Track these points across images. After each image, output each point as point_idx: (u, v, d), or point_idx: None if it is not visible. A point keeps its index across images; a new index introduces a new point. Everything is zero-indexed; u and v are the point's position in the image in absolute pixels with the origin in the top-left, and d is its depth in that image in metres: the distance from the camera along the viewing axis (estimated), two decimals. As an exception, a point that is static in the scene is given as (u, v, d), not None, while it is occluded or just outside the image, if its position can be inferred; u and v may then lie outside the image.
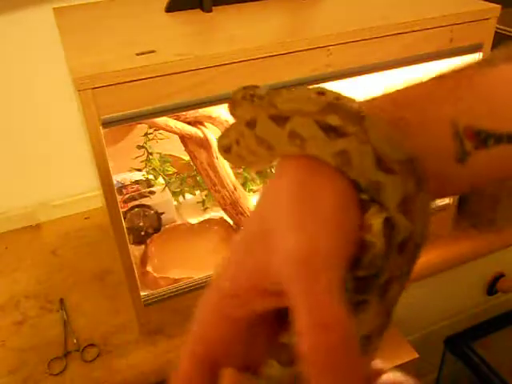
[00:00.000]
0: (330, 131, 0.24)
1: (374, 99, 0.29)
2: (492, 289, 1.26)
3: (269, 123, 0.26)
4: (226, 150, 0.31)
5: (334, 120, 0.24)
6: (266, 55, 0.70)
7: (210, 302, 0.26)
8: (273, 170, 0.29)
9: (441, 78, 0.29)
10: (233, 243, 0.27)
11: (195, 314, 0.27)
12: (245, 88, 0.46)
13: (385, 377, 0.28)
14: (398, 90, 0.29)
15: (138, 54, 0.68)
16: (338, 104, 0.25)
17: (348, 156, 0.24)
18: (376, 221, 0.24)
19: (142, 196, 1.06)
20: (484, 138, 0.26)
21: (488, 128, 0.26)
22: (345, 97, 0.26)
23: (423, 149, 0.26)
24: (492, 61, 0.29)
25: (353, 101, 0.26)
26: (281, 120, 0.26)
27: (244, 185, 1.13)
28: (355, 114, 0.25)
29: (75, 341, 0.88)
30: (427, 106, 0.27)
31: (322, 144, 0.25)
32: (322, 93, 0.26)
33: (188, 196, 1.15)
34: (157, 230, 1.03)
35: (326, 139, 0.25)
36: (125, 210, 1.01)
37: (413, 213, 0.24)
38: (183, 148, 1.02)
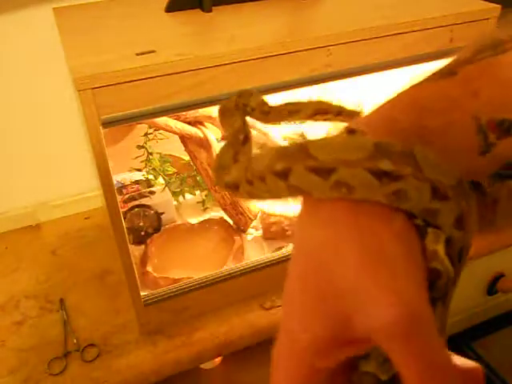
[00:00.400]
0: (383, 176, 0.24)
1: (383, 108, 0.28)
2: (492, 289, 1.26)
3: (307, 175, 0.25)
4: (232, 187, 0.30)
5: (386, 165, 0.24)
6: (266, 55, 0.70)
7: (289, 353, 0.26)
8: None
9: (450, 75, 0.28)
10: (289, 283, 0.26)
11: (273, 364, 0.27)
12: (239, 96, 0.45)
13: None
14: (406, 94, 0.28)
15: (137, 54, 0.68)
16: (384, 146, 0.24)
17: (404, 193, 0.24)
18: (439, 247, 0.25)
19: (142, 196, 1.06)
20: (507, 127, 0.27)
21: (510, 116, 0.26)
22: (386, 141, 0.25)
23: (447, 150, 0.26)
24: (499, 46, 0.28)
25: (395, 144, 0.25)
26: (323, 172, 0.25)
27: (244, 185, 1.13)
28: (406, 154, 0.24)
29: (75, 341, 0.88)
30: (447, 108, 0.27)
31: (374, 189, 0.24)
32: (351, 130, 0.26)
33: (188, 196, 1.15)
34: (157, 230, 1.03)
35: (378, 184, 0.24)
36: (125, 210, 1.01)
37: (465, 225, 0.25)
38: (183, 148, 1.02)
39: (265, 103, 0.45)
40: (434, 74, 0.29)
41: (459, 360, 0.26)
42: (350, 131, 0.27)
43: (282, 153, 0.27)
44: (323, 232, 0.26)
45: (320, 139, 0.26)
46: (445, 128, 0.27)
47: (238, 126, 0.41)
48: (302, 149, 0.26)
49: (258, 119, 0.45)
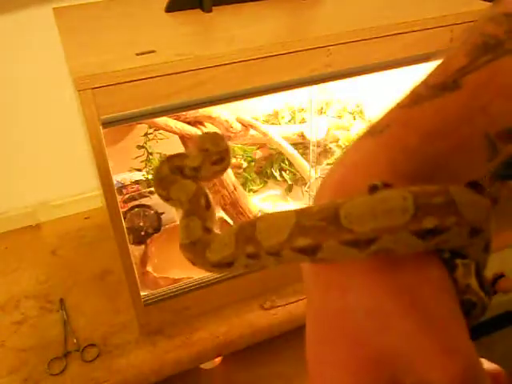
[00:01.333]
0: (427, 234, 0.23)
1: (391, 129, 0.27)
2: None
3: (341, 249, 0.23)
4: (222, 266, 0.29)
5: (430, 223, 0.22)
6: (265, 55, 0.70)
7: None
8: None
9: (452, 90, 0.27)
10: (315, 354, 0.26)
11: None
12: (168, 160, 0.41)
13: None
14: (406, 113, 0.27)
15: (137, 54, 0.68)
16: (426, 202, 0.22)
17: (445, 242, 0.23)
18: (472, 280, 0.25)
19: (142, 196, 1.06)
20: None
21: None
22: (420, 188, 0.23)
23: (460, 169, 0.26)
24: (498, 47, 0.27)
25: (432, 190, 0.23)
26: (362, 244, 0.23)
27: (244, 185, 1.13)
28: (448, 203, 0.23)
29: (75, 341, 0.88)
30: (455, 128, 0.26)
31: (417, 247, 0.23)
32: (374, 187, 0.24)
33: (188, 196, 1.15)
34: (157, 230, 1.03)
35: (422, 243, 0.23)
36: (125, 210, 1.01)
37: (491, 247, 0.25)
38: (183, 148, 1.02)
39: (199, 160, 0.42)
40: (428, 89, 0.27)
41: (485, 363, 0.26)
42: (372, 188, 0.25)
43: (305, 226, 0.24)
44: (355, 297, 0.24)
45: (349, 205, 0.23)
46: (455, 148, 0.26)
47: (193, 190, 0.38)
48: (331, 221, 0.23)
49: (192, 178, 0.42)
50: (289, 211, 0.25)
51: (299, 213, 0.25)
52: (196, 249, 0.31)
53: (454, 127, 0.26)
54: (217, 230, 0.34)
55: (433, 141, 0.26)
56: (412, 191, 0.23)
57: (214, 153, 0.42)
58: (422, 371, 0.22)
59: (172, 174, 0.40)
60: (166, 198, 0.40)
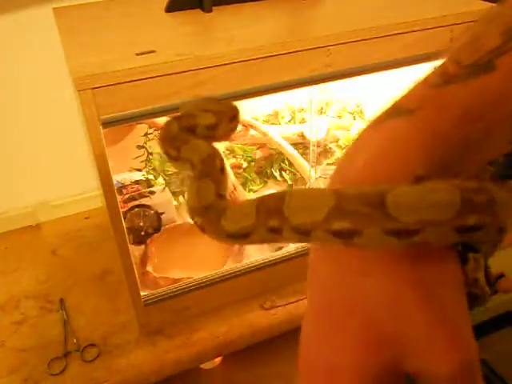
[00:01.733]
0: (466, 231, 0.23)
1: (423, 111, 0.26)
2: (492, 289, 1.26)
3: (383, 237, 0.23)
4: (238, 237, 0.28)
5: (472, 220, 0.22)
6: (265, 55, 0.70)
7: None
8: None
9: (487, 70, 0.26)
10: (324, 322, 0.26)
11: None
12: (178, 119, 0.38)
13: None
14: (438, 93, 0.26)
15: (138, 54, 0.68)
16: (472, 199, 0.22)
17: (477, 236, 0.23)
18: (480, 274, 0.26)
19: (142, 196, 1.06)
20: None
21: None
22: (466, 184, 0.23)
23: (484, 147, 0.26)
24: None
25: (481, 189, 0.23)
26: (405, 234, 0.23)
27: (244, 185, 1.13)
28: (490, 203, 0.23)
29: (75, 341, 0.88)
30: (489, 109, 0.26)
31: (451, 241, 0.23)
32: (419, 178, 0.23)
33: (188, 196, 1.15)
34: (157, 229, 1.03)
35: (459, 237, 0.23)
36: (125, 210, 1.01)
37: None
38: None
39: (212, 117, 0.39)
40: (461, 69, 0.26)
41: None
42: (418, 178, 0.24)
43: (345, 209, 0.23)
44: (374, 283, 0.25)
45: (396, 193, 0.23)
46: (485, 132, 0.26)
47: (208, 150, 0.35)
48: (377, 207, 0.23)
49: (206, 138, 0.39)
50: (324, 190, 0.25)
51: (338, 194, 0.24)
52: (209, 215, 0.29)
53: (487, 110, 0.26)
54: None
55: (465, 124, 0.25)
56: (458, 186, 0.23)
57: (228, 109, 0.40)
58: (427, 359, 0.24)
59: (183, 133, 0.37)
60: (176, 158, 0.37)
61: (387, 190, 0.23)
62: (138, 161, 1.08)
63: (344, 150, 0.29)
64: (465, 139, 0.25)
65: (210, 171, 0.33)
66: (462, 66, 0.26)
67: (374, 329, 0.24)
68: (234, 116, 0.41)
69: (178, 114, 0.40)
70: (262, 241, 0.27)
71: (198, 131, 0.38)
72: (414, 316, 0.24)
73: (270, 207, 0.26)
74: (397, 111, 0.26)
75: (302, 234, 0.25)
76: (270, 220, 0.26)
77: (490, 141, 0.26)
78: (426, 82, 0.27)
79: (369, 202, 0.23)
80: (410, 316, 0.24)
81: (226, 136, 0.41)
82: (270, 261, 0.92)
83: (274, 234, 0.26)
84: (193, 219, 0.30)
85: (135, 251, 0.99)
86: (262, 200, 0.27)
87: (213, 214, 0.29)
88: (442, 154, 0.25)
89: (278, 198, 0.26)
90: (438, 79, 0.26)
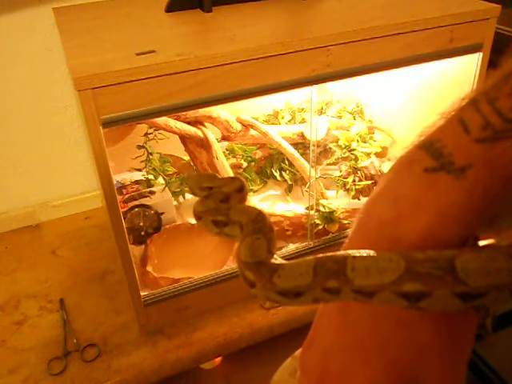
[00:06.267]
0: None
1: (474, 171, 0.25)
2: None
3: (451, 299, 0.24)
4: (289, 295, 0.29)
5: None
6: (265, 55, 0.70)
7: None
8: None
9: None
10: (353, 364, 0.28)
11: None
12: (207, 196, 0.41)
13: None
14: (488, 152, 0.25)
15: (138, 54, 0.68)
16: None
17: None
18: (488, 320, 0.28)
19: (142, 196, 1.06)
20: None
21: None
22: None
23: None
24: None
25: None
26: (470, 297, 0.24)
27: (244, 185, 1.13)
28: None
29: (75, 341, 0.88)
30: None
31: (507, 303, 0.25)
32: (476, 239, 0.25)
33: (188, 196, 1.15)
34: (157, 229, 1.03)
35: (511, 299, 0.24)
36: (125, 210, 1.01)
37: None
38: (183, 148, 1.02)
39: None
40: (505, 123, 0.25)
41: None
42: (474, 240, 0.26)
43: (418, 272, 0.24)
44: (412, 332, 0.26)
45: (464, 259, 0.24)
46: None
47: (255, 211, 0.36)
48: (447, 271, 0.24)
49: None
50: (389, 253, 0.26)
51: (407, 258, 0.25)
52: (261, 270, 0.30)
53: None
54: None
55: (510, 184, 0.26)
56: (508, 253, 0.24)
57: (231, 180, 0.43)
58: None
59: (222, 204, 0.40)
60: (225, 223, 0.38)
61: (454, 255, 0.24)
62: (138, 161, 1.08)
63: (382, 192, 0.29)
64: (505, 197, 0.26)
65: (262, 228, 0.34)
66: (507, 120, 0.25)
67: (397, 369, 0.26)
68: (241, 187, 0.43)
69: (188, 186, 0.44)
70: (314, 300, 0.28)
71: (231, 199, 0.40)
72: (436, 363, 0.26)
73: (331, 269, 0.27)
74: (446, 168, 0.26)
75: (365, 295, 0.26)
76: (328, 281, 0.27)
77: None
78: (471, 137, 0.26)
79: (439, 267, 0.24)
80: (433, 362, 0.26)
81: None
82: (270, 261, 0.92)
83: (329, 294, 0.27)
84: (243, 274, 0.31)
85: (135, 251, 0.99)
86: (320, 261, 0.28)
87: (265, 270, 0.29)
88: (489, 214, 0.26)
89: (340, 259, 0.27)
90: (483, 133, 0.26)
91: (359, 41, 0.75)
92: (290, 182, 1.14)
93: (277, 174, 1.16)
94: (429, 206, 0.26)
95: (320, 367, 0.29)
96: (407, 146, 0.29)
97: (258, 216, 0.35)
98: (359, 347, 0.28)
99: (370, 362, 0.27)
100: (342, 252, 0.27)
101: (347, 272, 0.26)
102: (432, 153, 0.27)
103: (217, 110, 0.98)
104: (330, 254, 0.27)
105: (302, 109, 1.17)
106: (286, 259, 0.31)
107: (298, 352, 0.32)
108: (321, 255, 0.28)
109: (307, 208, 1.02)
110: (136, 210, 1.02)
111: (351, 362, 0.28)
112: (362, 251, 0.26)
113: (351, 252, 0.26)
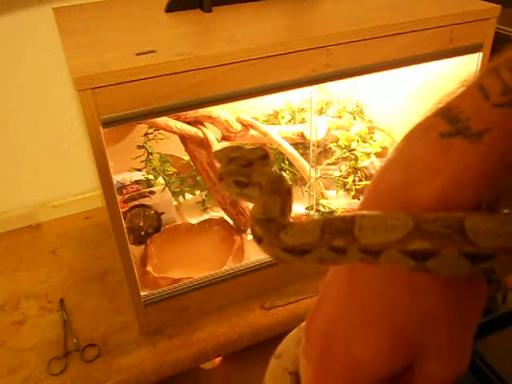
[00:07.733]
0: None
1: (491, 136, 0.25)
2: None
3: (458, 259, 0.24)
4: (294, 252, 0.28)
5: None
6: (265, 55, 0.70)
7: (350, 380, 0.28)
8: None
9: None
10: (356, 319, 0.28)
11: None
12: (230, 160, 0.40)
13: None
14: (506, 117, 0.25)
15: (138, 54, 0.68)
16: None
17: None
18: (498, 295, 0.28)
19: (142, 196, 1.06)
20: None
21: None
22: None
23: None
24: None
25: None
26: (478, 259, 0.24)
27: (244, 185, 1.13)
28: None
29: (75, 341, 0.88)
30: None
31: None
32: (490, 207, 0.25)
33: (188, 196, 1.15)
34: (157, 229, 1.03)
35: None
36: (125, 210, 1.01)
37: None
38: (183, 148, 1.02)
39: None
40: None
41: None
42: (488, 208, 0.27)
43: (426, 230, 0.24)
44: (423, 299, 0.26)
45: (473, 220, 0.24)
46: None
47: (276, 174, 0.36)
48: (456, 231, 0.24)
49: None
50: (398, 212, 0.25)
51: (416, 217, 0.25)
52: (270, 226, 0.30)
53: None
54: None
55: None
56: None
57: (255, 150, 0.43)
58: (436, 364, 0.27)
59: (244, 167, 0.40)
60: (246, 184, 0.38)
61: (464, 216, 0.24)
62: (138, 161, 1.08)
63: (394, 159, 0.28)
64: None
65: (279, 190, 0.34)
66: None
67: (404, 335, 0.27)
68: (264, 155, 0.43)
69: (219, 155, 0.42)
70: (319, 260, 0.28)
71: (254, 164, 0.40)
72: (442, 330, 0.26)
73: (338, 228, 0.27)
74: (463, 133, 0.26)
75: (371, 254, 0.26)
76: (334, 240, 0.26)
77: None
78: (488, 100, 0.26)
79: (448, 225, 0.24)
80: (439, 330, 0.26)
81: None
82: (270, 261, 0.92)
83: (335, 254, 0.27)
84: (252, 229, 0.31)
85: (135, 251, 0.99)
86: (328, 221, 0.28)
87: (274, 226, 0.29)
88: (503, 180, 0.26)
89: (348, 219, 0.27)
90: (502, 98, 0.26)
91: (359, 41, 0.75)
92: (290, 182, 1.14)
93: (277, 174, 1.15)
94: (442, 169, 0.26)
95: (325, 335, 0.29)
96: (424, 113, 0.28)
97: (278, 179, 0.36)
98: (366, 314, 0.27)
99: (377, 329, 0.27)
100: (352, 212, 0.27)
101: (354, 231, 0.26)
102: (449, 118, 0.26)
103: (217, 110, 0.98)
104: (341, 214, 0.28)
105: (302, 109, 1.17)
106: None
107: (304, 323, 0.32)
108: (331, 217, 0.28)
109: (307, 208, 1.02)
110: (136, 209, 1.02)
111: (357, 330, 0.28)
112: (372, 212, 0.26)
113: (360, 212, 0.26)
